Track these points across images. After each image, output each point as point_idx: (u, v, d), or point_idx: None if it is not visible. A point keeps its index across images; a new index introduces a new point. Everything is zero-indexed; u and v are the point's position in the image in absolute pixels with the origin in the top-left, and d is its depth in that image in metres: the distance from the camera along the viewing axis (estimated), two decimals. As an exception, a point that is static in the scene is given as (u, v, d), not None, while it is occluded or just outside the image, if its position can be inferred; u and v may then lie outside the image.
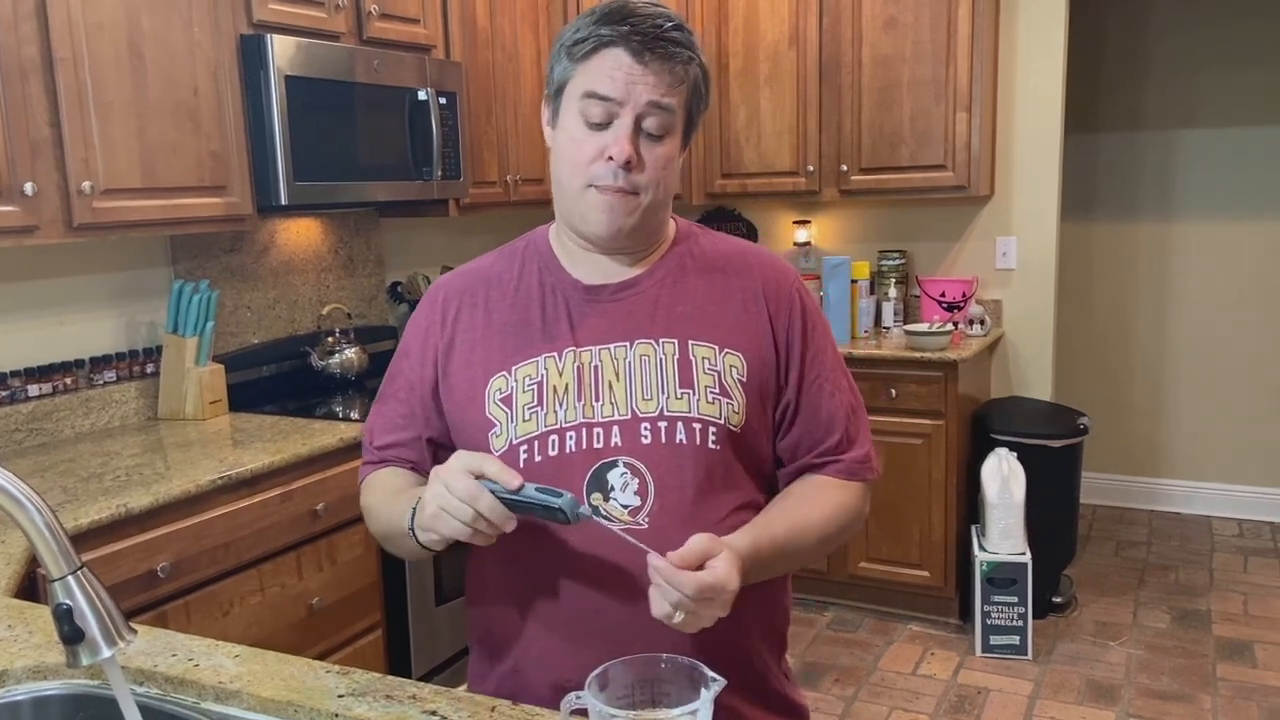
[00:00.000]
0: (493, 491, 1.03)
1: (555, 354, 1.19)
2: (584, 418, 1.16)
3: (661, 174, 1.18)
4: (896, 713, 3.04)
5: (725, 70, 3.90)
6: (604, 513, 1.14)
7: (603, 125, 1.15)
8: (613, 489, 1.14)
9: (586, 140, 1.15)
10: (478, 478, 1.04)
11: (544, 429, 1.17)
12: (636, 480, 1.14)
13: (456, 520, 1.04)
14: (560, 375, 1.18)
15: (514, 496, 1.03)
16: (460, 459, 1.07)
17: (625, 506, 1.14)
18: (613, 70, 1.13)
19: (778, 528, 1.17)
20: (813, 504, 1.22)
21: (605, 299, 1.22)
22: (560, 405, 1.17)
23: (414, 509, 1.11)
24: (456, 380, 1.23)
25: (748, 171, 3.95)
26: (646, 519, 1.13)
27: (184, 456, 2.32)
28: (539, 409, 1.17)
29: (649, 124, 1.15)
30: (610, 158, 1.14)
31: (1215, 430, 4.61)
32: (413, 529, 1.12)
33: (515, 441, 1.17)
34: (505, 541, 1.17)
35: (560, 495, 1.03)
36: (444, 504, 1.04)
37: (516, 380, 1.19)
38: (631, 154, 1.14)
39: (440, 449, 1.27)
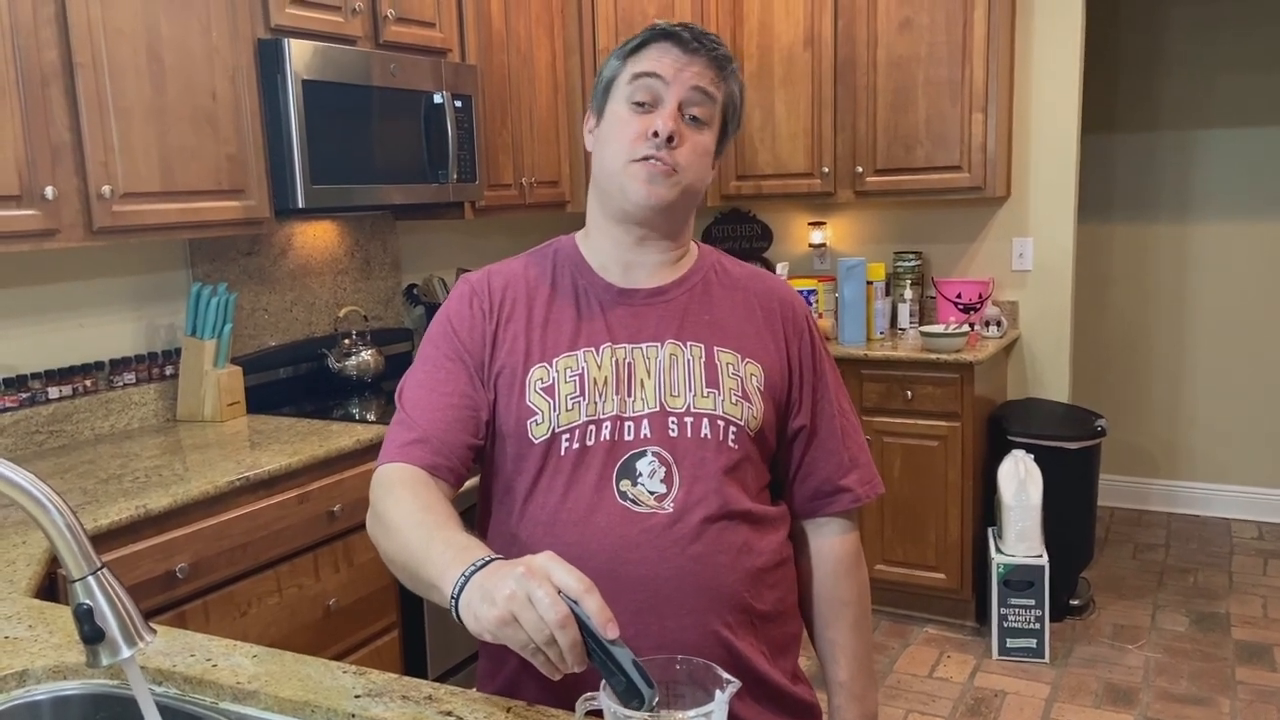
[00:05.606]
0: (581, 624, 0.87)
1: (594, 349, 1.25)
2: (619, 411, 1.22)
3: (699, 160, 1.25)
4: (913, 715, 3.03)
5: (740, 72, 3.90)
6: (631, 496, 1.19)
7: (648, 108, 1.22)
8: (640, 475, 1.19)
9: (632, 120, 1.23)
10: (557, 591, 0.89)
11: (585, 419, 1.21)
12: (664, 469, 1.20)
13: (527, 635, 0.87)
14: (599, 369, 1.23)
15: (603, 646, 0.87)
16: (555, 570, 0.89)
17: (652, 493, 1.19)
18: (661, 56, 1.23)
19: (859, 678, 1.34)
20: (848, 610, 1.35)
21: (638, 302, 1.28)
22: (600, 397, 1.22)
23: (464, 578, 0.93)
24: (499, 366, 1.26)
25: (763, 173, 3.95)
26: (671, 504, 1.19)
27: (202, 458, 2.33)
28: (581, 399, 1.22)
29: (692, 109, 1.23)
30: (655, 133, 1.20)
31: (1234, 432, 4.57)
32: (455, 606, 0.93)
33: (558, 430, 1.21)
34: (517, 542, 1.20)
35: (652, 687, 0.87)
36: (520, 614, 0.87)
37: (558, 371, 1.23)
38: (675, 129, 1.21)
39: (467, 450, 1.23)
